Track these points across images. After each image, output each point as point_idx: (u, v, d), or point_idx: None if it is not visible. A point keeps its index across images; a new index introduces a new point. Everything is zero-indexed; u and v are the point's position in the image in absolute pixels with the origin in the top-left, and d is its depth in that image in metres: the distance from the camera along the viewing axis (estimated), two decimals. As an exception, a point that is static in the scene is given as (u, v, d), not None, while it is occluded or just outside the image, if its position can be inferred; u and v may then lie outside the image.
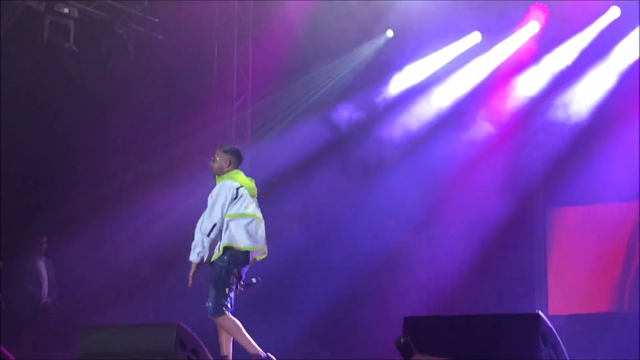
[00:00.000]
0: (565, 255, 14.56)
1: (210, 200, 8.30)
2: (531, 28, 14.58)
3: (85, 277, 13.15)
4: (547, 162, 14.21)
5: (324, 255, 14.84)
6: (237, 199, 8.29)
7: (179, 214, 14.14)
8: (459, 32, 14.90)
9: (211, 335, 8.44)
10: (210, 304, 8.20)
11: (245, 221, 8.29)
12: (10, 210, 12.44)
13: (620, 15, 13.98)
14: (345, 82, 15.78)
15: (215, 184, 8.48)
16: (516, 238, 14.50)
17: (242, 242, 8.25)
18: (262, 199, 14.39)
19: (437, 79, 15.23)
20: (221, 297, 8.17)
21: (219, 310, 8.17)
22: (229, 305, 8.21)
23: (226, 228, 8.23)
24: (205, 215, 8.26)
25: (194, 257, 8.23)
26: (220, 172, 8.39)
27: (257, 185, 8.66)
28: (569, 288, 14.27)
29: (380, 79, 15.60)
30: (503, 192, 14.27)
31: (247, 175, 8.68)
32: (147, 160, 14.50)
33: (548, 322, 6.27)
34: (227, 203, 8.23)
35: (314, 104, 15.74)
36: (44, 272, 12.62)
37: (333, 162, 15.44)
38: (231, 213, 8.24)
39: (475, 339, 6.27)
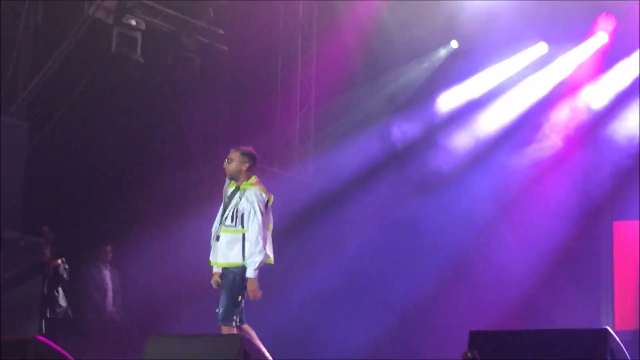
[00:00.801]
0: (632, 269, 14.31)
1: (250, 208, 8.05)
2: (598, 39, 14.40)
3: (151, 286, 13.24)
4: (614, 176, 13.99)
5: (386, 267, 14.80)
6: (265, 212, 8.20)
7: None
8: (525, 43, 14.75)
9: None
10: (221, 310, 8.06)
11: (268, 234, 8.20)
12: (76, 219, 12.61)
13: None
14: (408, 93, 15.74)
15: (228, 185, 8.34)
16: (582, 252, 14.32)
17: (268, 255, 8.19)
18: (326, 207, 14.63)
19: (503, 91, 15.09)
20: (233, 305, 8.05)
21: (228, 319, 8.05)
22: (236, 317, 8.08)
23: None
24: (250, 223, 8.04)
25: (255, 274, 8.08)
26: (237, 175, 8.21)
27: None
28: (636, 303, 14.01)
29: (443, 90, 15.53)
30: (569, 206, 14.10)
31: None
32: (213, 170, 14.58)
33: (616, 337, 6.17)
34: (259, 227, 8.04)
35: (376, 114, 15.72)
36: (109, 281, 12.75)
37: (395, 172, 15.39)
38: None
39: (543, 354, 6.20)
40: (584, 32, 14.45)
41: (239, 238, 8.06)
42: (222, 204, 8.26)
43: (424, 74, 15.58)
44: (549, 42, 14.76)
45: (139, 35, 13.07)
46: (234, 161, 8.19)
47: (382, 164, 15.22)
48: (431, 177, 15.23)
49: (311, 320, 14.14)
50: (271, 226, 8.28)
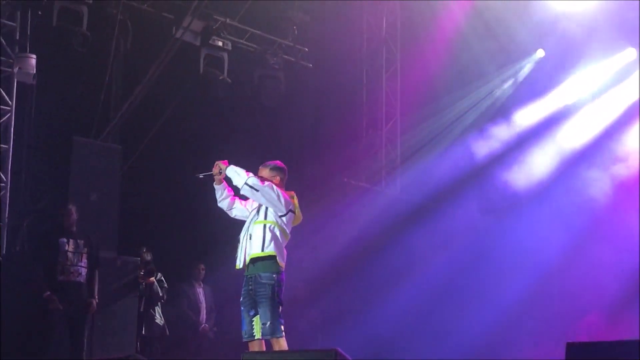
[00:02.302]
0: None
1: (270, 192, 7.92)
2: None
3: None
4: None
5: (473, 281, 14.68)
6: (290, 215, 8.14)
7: (328, 236, 14.30)
8: (614, 49, 14.53)
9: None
10: (269, 323, 7.85)
11: (285, 241, 8.10)
12: (169, 238, 12.84)
13: None
14: (495, 104, 15.65)
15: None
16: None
17: (283, 261, 8.04)
18: (414, 220, 14.58)
19: (590, 100, 14.88)
20: (278, 316, 7.93)
21: (278, 330, 7.87)
22: (283, 327, 7.92)
23: (276, 236, 8.00)
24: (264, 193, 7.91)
25: (238, 177, 8.01)
26: None
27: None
28: None
29: (528, 100, 15.40)
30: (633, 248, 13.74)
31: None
32: (300, 186, 14.68)
33: None
34: (284, 209, 8.00)
35: (463, 127, 15.66)
36: (202, 298, 12.94)
37: (479, 188, 15.28)
38: (283, 226, 8.04)
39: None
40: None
41: (271, 230, 7.97)
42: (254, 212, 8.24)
43: (510, 84, 15.45)
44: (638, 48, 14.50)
45: (225, 56, 13.33)
46: (264, 178, 8.13)
47: (469, 177, 15.12)
48: (511, 196, 15.08)
49: (394, 338, 14.08)
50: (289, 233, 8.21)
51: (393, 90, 15.65)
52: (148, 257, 11.82)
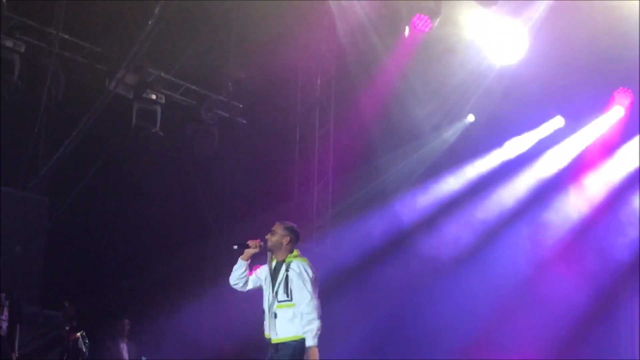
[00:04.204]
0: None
1: (299, 282, 7.87)
2: (615, 113, 14.44)
3: (169, 357, 13.19)
4: (634, 250, 13.93)
5: (399, 344, 14.69)
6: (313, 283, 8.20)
7: (257, 298, 14.16)
8: (542, 117, 14.83)
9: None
10: None
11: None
12: (94, 293, 12.62)
13: None
14: (428, 165, 15.80)
15: (270, 259, 8.24)
16: (604, 327, 14.18)
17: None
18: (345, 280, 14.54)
19: (521, 163, 15.14)
20: None
21: None
22: None
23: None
24: (303, 297, 7.82)
25: (315, 342, 7.86)
26: (277, 247, 8.06)
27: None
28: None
29: (459, 163, 15.59)
30: (590, 280, 14.02)
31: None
32: (231, 242, 14.60)
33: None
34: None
35: (394, 189, 15.76)
36: (126, 354, 12.71)
37: (417, 248, 15.35)
38: None
39: None
40: (601, 106, 14.48)
41: (296, 312, 7.93)
42: (270, 278, 8.09)
43: (440, 147, 15.64)
44: (566, 116, 14.81)
45: (158, 109, 13.22)
46: (276, 234, 8.11)
47: (401, 239, 15.19)
48: (450, 251, 15.20)
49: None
50: None
51: (326, 149, 15.68)
52: (71, 311, 11.57)
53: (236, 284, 8.27)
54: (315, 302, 7.88)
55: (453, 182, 15.58)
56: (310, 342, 7.87)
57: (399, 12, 13.70)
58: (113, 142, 13.00)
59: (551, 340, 14.16)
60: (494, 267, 14.56)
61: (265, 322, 8.07)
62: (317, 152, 15.65)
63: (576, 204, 14.43)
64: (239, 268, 8.20)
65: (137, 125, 13.07)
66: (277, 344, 7.95)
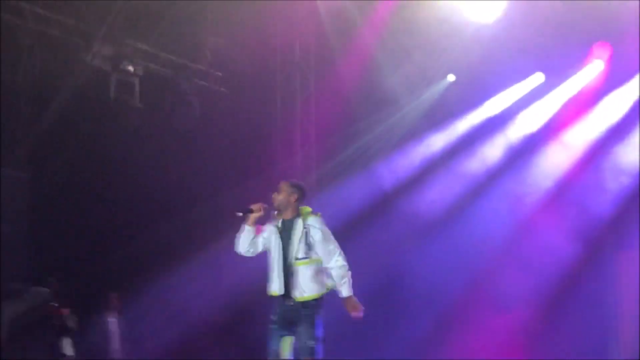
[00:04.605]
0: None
1: (324, 236, 7.88)
2: (595, 67, 14.44)
3: (158, 332, 13.20)
4: (617, 205, 13.98)
5: (382, 309, 14.72)
6: None
7: (245, 264, 14.17)
8: (522, 74, 14.82)
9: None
10: (312, 343, 7.77)
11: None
12: (81, 268, 12.57)
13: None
14: (409, 127, 15.78)
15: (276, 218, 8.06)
16: (588, 282, 14.25)
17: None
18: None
19: (502, 121, 15.15)
20: (320, 340, 7.88)
21: (318, 353, 7.80)
22: None
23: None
24: (332, 251, 7.86)
25: (351, 291, 7.96)
26: (285, 206, 8.00)
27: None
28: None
29: (444, 122, 15.59)
30: (573, 236, 14.08)
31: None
32: (215, 215, 14.58)
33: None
34: None
35: (379, 148, 15.74)
36: (116, 329, 12.70)
37: (399, 209, 15.36)
38: None
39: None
40: (581, 61, 14.47)
41: (319, 268, 7.94)
42: (279, 237, 8.02)
43: (421, 107, 15.61)
44: (546, 72, 14.80)
45: (137, 81, 13.11)
46: (283, 191, 8.05)
47: (384, 202, 15.20)
48: (437, 208, 15.22)
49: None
50: None
51: (308, 114, 15.63)
52: (56, 287, 11.54)
53: (248, 251, 8.11)
54: (344, 254, 7.92)
55: (434, 143, 15.60)
56: (349, 292, 7.94)
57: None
58: (92, 115, 12.90)
59: (536, 297, 14.22)
60: (478, 225, 14.60)
61: (275, 281, 7.94)
62: (299, 117, 15.60)
63: (558, 159, 14.45)
64: (248, 234, 8.05)
65: (115, 98, 12.98)
66: (303, 302, 7.89)
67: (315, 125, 15.60)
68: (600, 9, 12.88)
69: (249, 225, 8.03)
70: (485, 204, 14.77)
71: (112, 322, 12.72)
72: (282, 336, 7.93)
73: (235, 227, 14.09)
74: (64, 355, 11.67)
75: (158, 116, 13.77)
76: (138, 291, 13.05)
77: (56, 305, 11.36)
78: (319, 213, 8.09)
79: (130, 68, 12.98)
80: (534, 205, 14.46)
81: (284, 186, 8.11)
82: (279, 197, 8.05)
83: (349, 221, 14.89)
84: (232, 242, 8.09)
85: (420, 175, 15.55)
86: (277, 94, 15.58)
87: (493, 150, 15.20)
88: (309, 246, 7.90)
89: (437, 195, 15.35)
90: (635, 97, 14.15)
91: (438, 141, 15.54)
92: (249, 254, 8.14)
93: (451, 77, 15.36)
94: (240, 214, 8.07)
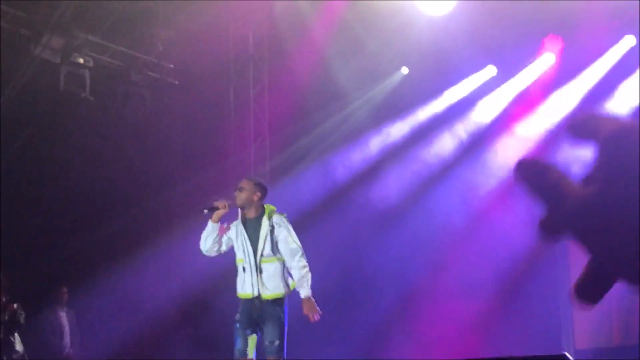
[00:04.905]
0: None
1: (288, 236, 7.94)
2: (547, 59, 14.54)
3: (107, 326, 13.13)
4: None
5: (342, 297, 14.76)
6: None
7: (197, 257, 14.12)
8: (474, 67, 14.89)
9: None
10: (277, 343, 7.82)
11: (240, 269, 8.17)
12: (30, 261, 12.47)
13: (636, 45, 13.88)
14: (363, 119, 15.80)
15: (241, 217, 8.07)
16: (539, 271, 14.37)
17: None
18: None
19: (455, 113, 15.23)
20: (285, 338, 7.94)
21: (283, 352, 7.86)
22: None
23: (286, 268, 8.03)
24: (294, 251, 7.91)
25: (310, 292, 7.97)
26: (248, 204, 7.98)
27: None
28: (596, 321, 14.06)
29: (397, 114, 15.63)
30: (524, 225, 14.16)
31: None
32: (167, 208, 14.52)
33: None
34: None
35: (334, 141, 15.74)
36: (65, 322, 12.61)
37: (354, 201, 15.37)
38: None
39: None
40: (532, 53, 14.56)
41: (282, 266, 7.98)
42: (243, 235, 7.97)
43: (375, 100, 15.64)
44: (498, 65, 14.88)
45: (87, 73, 12.97)
46: (245, 190, 8.03)
47: (340, 193, 15.21)
48: (389, 202, 15.26)
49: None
50: None
51: (261, 107, 15.56)
52: (5, 282, 11.43)
53: (212, 249, 8.09)
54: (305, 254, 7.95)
55: (388, 134, 15.63)
56: (309, 292, 7.94)
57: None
58: (42, 108, 12.76)
59: (492, 286, 14.32)
60: (433, 216, 14.67)
61: (247, 282, 7.96)
62: (253, 110, 15.52)
63: (510, 150, 14.54)
64: (212, 232, 8.02)
65: (65, 90, 12.84)
66: (269, 300, 7.92)
67: (269, 117, 15.54)
68: (552, 1, 12.95)
69: (214, 222, 7.99)
70: (440, 195, 14.84)
71: (62, 316, 12.63)
72: (247, 335, 7.93)
73: (187, 220, 14.14)
74: (16, 351, 11.58)
75: (109, 108, 13.65)
76: (88, 285, 12.95)
77: (5, 300, 11.26)
78: (284, 213, 8.09)
79: (80, 60, 12.86)
80: (488, 196, 14.53)
81: (247, 184, 8.09)
82: (242, 196, 8.02)
83: (303, 213, 14.89)
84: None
85: (375, 166, 15.59)
86: (230, 86, 15.49)
87: (447, 142, 15.26)
88: (274, 244, 7.94)
89: (392, 186, 15.40)
90: (586, 90, 14.26)
91: (392, 133, 15.57)
92: (212, 253, 8.13)
93: (404, 70, 15.39)
94: (206, 211, 8.00)
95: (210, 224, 8.00)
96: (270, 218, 7.98)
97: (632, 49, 13.96)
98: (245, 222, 8.02)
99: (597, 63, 14.21)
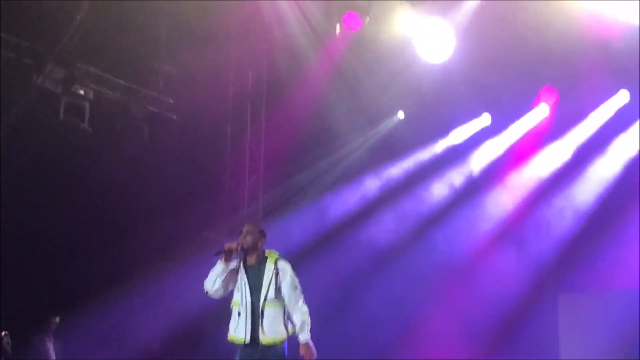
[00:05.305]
0: (578, 340, 14.41)
1: (292, 281, 7.99)
2: (541, 111, 14.68)
3: (95, 356, 13.10)
4: (557, 249, 14.18)
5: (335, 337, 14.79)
6: None
7: (188, 292, 14.16)
8: (469, 114, 15.03)
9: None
10: None
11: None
12: (19, 291, 12.46)
13: (630, 101, 14.03)
14: (357, 161, 15.90)
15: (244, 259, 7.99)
16: (528, 324, 14.41)
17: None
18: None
19: (449, 160, 15.34)
20: None
21: None
22: None
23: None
24: (297, 296, 7.98)
25: (309, 336, 8.03)
26: (253, 249, 7.96)
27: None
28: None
29: (391, 157, 15.74)
30: (514, 279, 14.25)
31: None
32: (160, 239, 14.53)
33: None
34: None
35: (327, 181, 15.83)
36: (52, 352, 12.59)
37: (346, 241, 15.44)
38: None
39: None
40: (527, 104, 14.70)
41: (283, 311, 8.02)
42: (244, 281, 7.95)
43: (370, 142, 15.75)
44: (494, 114, 15.01)
45: (87, 105, 13.06)
46: (251, 235, 8.00)
47: (333, 234, 15.28)
48: (380, 246, 15.32)
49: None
50: None
51: (257, 145, 15.66)
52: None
53: (219, 291, 8.02)
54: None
55: (384, 177, 15.74)
56: (308, 336, 7.99)
57: (331, 10, 13.75)
58: (41, 137, 12.83)
59: (478, 336, 14.37)
60: (420, 264, 14.74)
61: (241, 327, 7.97)
62: (249, 147, 15.62)
63: (501, 200, 14.64)
64: (222, 274, 7.94)
65: (64, 121, 12.91)
66: (268, 345, 7.94)
67: (264, 156, 15.64)
68: (549, 54, 13.11)
69: (224, 263, 7.92)
70: (428, 243, 14.91)
71: (50, 346, 12.60)
72: None
73: (177, 253, 14.16)
74: (2, 379, 11.54)
75: (107, 140, 13.72)
76: (77, 316, 12.94)
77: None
78: (287, 259, 8.17)
79: (81, 91, 12.95)
80: (476, 246, 14.61)
81: (253, 230, 8.08)
82: (249, 240, 8.00)
83: (296, 253, 14.95)
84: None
85: (368, 208, 15.66)
86: (228, 122, 15.60)
87: (439, 188, 15.34)
88: (277, 289, 7.95)
89: (383, 229, 15.46)
90: (579, 143, 14.39)
91: (385, 176, 15.66)
92: (217, 295, 8.06)
93: (401, 114, 15.53)
94: (220, 254, 8.00)
95: (220, 264, 7.93)
96: (275, 263, 8.03)
97: (627, 104, 14.11)
98: (246, 268, 8.05)
99: (591, 116, 14.34)
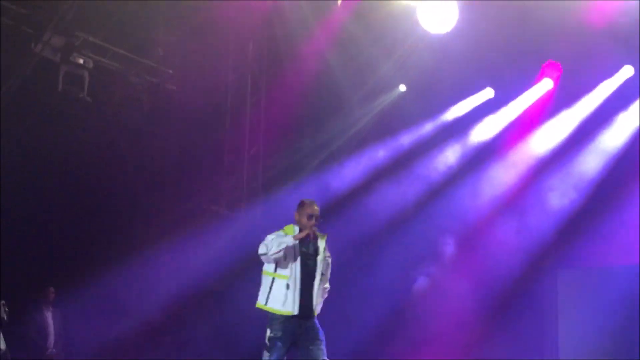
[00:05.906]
0: (576, 315, 14.41)
1: (331, 258, 8.38)
2: (544, 85, 14.58)
3: (93, 327, 13.09)
4: (558, 224, 14.16)
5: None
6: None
7: (187, 264, 14.16)
8: (473, 88, 14.94)
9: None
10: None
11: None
12: (18, 260, 12.43)
13: (634, 74, 13.93)
14: (359, 134, 15.83)
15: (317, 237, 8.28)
16: (527, 298, 14.40)
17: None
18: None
19: (449, 135, 15.27)
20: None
21: None
22: None
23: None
24: (329, 274, 8.36)
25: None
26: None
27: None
28: (581, 349, 14.09)
29: (394, 130, 15.67)
30: (514, 252, 14.22)
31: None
32: (159, 211, 14.50)
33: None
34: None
35: (328, 153, 15.78)
36: (50, 322, 12.57)
37: (350, 213, 15.40)
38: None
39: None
40: (531, 78, 14.61)
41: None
42: (300, 252, 8.19)
43: (371, 116, 15.68)
44: (496, 88, 14.92)
45: (86, 74, 12.98)
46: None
47: (333, 206, 15.23)
48: (381, 219, 15.30)
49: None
50: None
51: (257, 117, 15.56)
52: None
53: (278, 257, 8.12)
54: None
55: (386, 150, 15.67)
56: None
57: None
58: (40, 106, 12.76)
59: (479, 308, 14.39)
60: (424, 235, 14.72)
61: (282, 296, 8.14)
62: (249, 119, 15.53)
63: (503, 175, 14.60)
64: (291, 246, 8.12)
65: (63, 90, 12.84)
66: (314, 316, 8.26)
67: (265, 127, 15.56)
68: (552, 28, 13.01)
69: (295, 240, 8.14)
70: (431, 215, 14.88)
71: (48, 315, 12.59)
72: (284, 354, 8.14)
73: (176, 224, 14.10)
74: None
75: (106, 110, 13.66)
76: (75, 285, 12.92)
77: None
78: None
79: (80, 60, 12.86)
80: (477, 220, 14.58)
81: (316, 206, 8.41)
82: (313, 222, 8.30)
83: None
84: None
85: (369, 182, 15.61)
86: (228, 94, 15.50)
87: (440, 162, 15.29)
88: (326, 266, 8.39)
89: (382, 205, 15.42)
90: (582, 117, 14.31)
91: (386, 150, 15.60)
92: (272, 260, 8.15)
93: (402, 87, 15.43)
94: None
95: (291, 239, 8.10)
96: (324, 241, 8.34)
97: (630, 78, 14.01)
98: (302, 244, 8.21)
99: (594, 92, 14.25)
